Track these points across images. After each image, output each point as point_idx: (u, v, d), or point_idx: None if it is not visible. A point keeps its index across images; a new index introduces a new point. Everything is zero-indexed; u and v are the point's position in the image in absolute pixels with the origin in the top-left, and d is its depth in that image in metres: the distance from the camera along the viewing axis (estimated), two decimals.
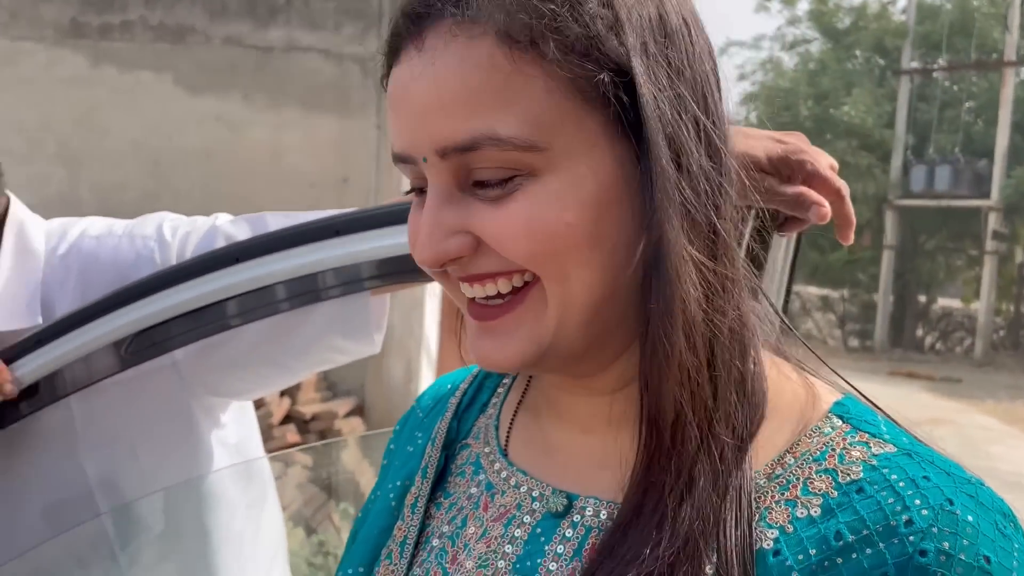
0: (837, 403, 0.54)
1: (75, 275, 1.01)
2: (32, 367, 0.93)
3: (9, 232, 1.00)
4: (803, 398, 0.55)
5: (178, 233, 1.02)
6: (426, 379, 4.60)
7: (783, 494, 0.51)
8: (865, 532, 0.47)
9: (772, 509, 0.50)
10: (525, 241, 0.48)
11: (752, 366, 0.53)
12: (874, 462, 0.50)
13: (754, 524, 0.50)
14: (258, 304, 0.90)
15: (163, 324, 0.90)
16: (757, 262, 0.63)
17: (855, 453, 0.51)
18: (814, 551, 0.48)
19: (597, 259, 0.49)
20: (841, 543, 0.48)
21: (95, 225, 1.05)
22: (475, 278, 0.51)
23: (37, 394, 0.95)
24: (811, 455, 0.52)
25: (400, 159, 0.52)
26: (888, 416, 0.55)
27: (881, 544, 0.47)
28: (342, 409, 4.48)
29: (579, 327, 0.50)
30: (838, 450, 0.51)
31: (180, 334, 0.92)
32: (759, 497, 0.51)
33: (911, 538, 0.46)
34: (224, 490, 1.10)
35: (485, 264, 0.51)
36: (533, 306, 0.51)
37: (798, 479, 0.51)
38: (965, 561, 0.46)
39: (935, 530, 0.46)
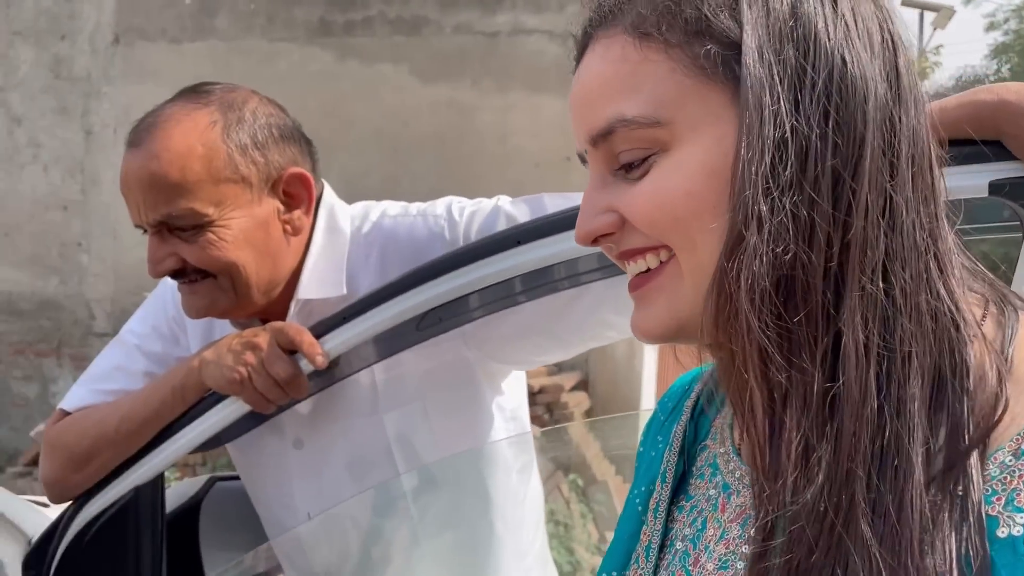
0: None
1: (376, 251, 1.11)
2: (338, 341, 1.03)
3: (322, 214, 1.12)
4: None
5: (464, 213, 1.09)
6: (649, 357, 4.60)
7: None
8: None
9: (1021, 491, 0.46)
10: (651, 213, 0.52)
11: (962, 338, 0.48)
12: None
13: (1000, 508, 0.45)
14: (537, 283, 0.95)
15: (453, 302, 0.98)
16: None
17: None
18: None
19: (721, 227, 0.49)
20: None
21: (392, 207, 1.15)
22: (627, 255, 0.55)
23: (343, 364, 1.07)
24: None
25: (581, 159, 0.58)
26: None
27: None
28: (568, 383, 4.59)
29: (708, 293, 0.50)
30: None
31: (468, 311, 0.99)
32: (1005, 478, 0.46)
33: None
34: (502, 452, 1.18)
35: (632, 240, 0.55)
36: (671, 277, 0.53)
37: None
38: None
39: None
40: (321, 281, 1.10)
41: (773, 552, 0.47)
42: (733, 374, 0.50)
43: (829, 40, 0.49)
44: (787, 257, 0.47)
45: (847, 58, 0.49)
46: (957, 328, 0.49)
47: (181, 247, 1.03)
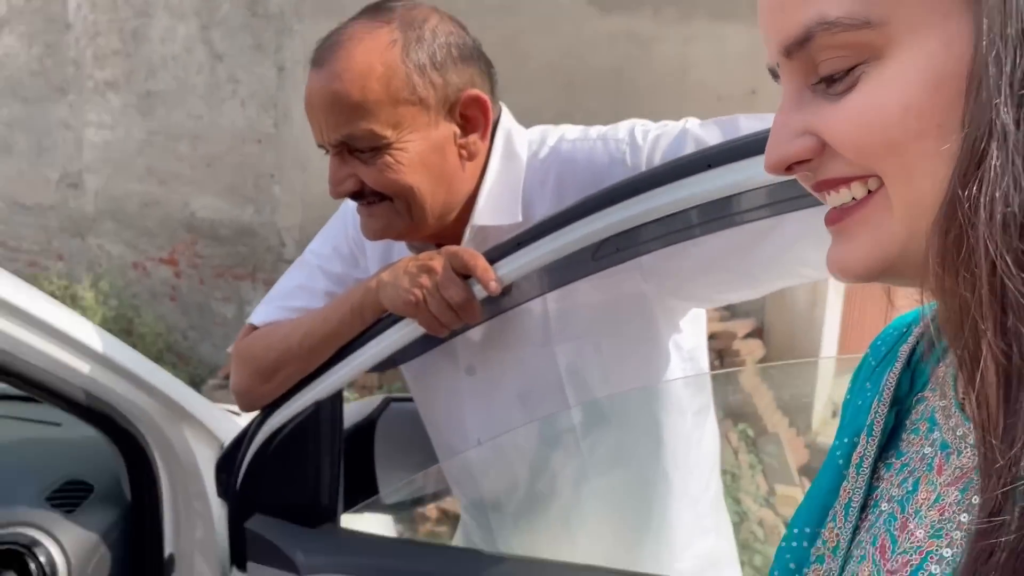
0: None
1: (553, 176, 1.07)
2: (512, 268, 1.01)
3: (499, 138, 1.09)
4: None
5: (648, 136, 1.02)
6: (833, 305, 4.33)
7: None
8: None
9: None
10: (859, 136, 0.44)
11: None
12: None
13: None
14: (728, 212, 0.87)
15: (632, 231, 0.92)
16: None
17: None
18: None
19: (950, 150, 0.40)
20: None
21: (571, 131, 1.10)
22: (826, 184, 0.48)
23: (516, 291, 1.04)
24: None
25: (772, 74, 0.50)
26: None
27: None
28: (741, 330, 4.42)
29: (934, 229, 0.41)
30: None
31: (649, 240, 0.93)
32: None
33: None
34: (677, 393, 1.13)
35: (833, 168, 0.47)
36: (878, 209, 0.45)
37: None
38: None
39: None
40: (496, 207, 1.07)
41: (1001, 528, 0.40)
42: (962, 322, 0.41)
43: None
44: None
45: None
46: None
47: (360, 169, 1.03)
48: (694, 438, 1.18)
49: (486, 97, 1.05)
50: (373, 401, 1.47)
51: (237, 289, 6.36)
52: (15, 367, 1.08)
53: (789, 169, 0.49)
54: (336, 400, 1.20)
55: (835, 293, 4.34)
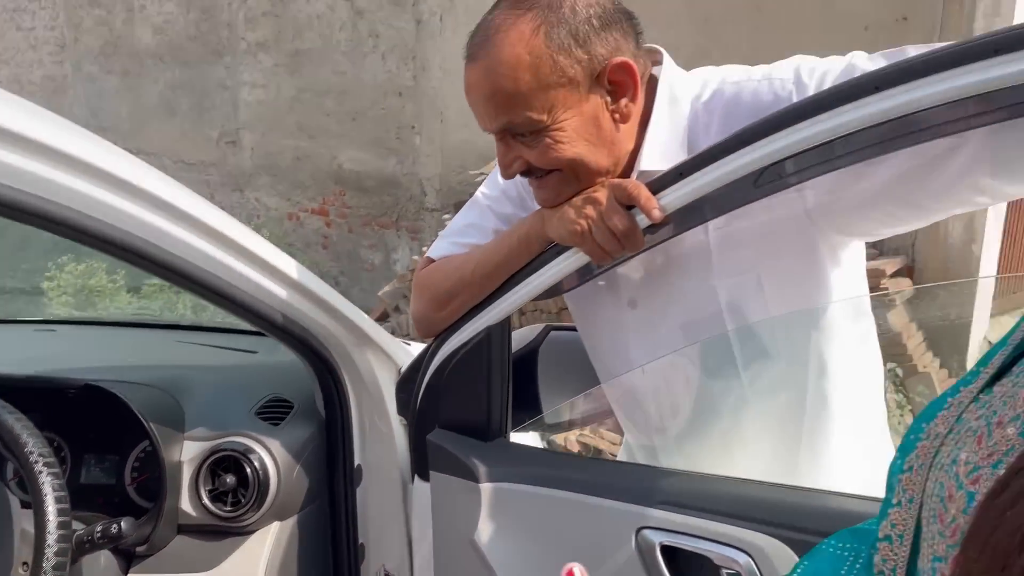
0: None
1: (718, 119, 1.11)
2: (675, 196, 1.06)
3: (663, 85, 1.14)
4: None
5: (815, 74, 1.04)
6: (991, 240, 4.10)
7: None
8: None
9: None
10: None
11: None
12: None
13: None
14: (893, 135, 0.89)
15: (798, 155, 0.95)
16: None
17: None
18: None
19: None
20: None
21: (733, 72, 1.13)
22: None
23: (678, 221, 1.10)
24: None
25: None
26: None
27: None
28: (889, 268, 4.26)
29: None
30: None
31: (811, 167, 0.96)
32: None
33: None
34: (838, 322, 1.15)
35: None
36: None
37: None
38: None
39: None
40: (662, 153, 1.12)
41: None
42: None
43: None
44: None
45: None
46: None
47: (524, 151, 1.11)
48: (857, 364, 1.21)
49: (630, 61, 1.09)
50: (535, 328, 1.57)
51: (383, 237, 6.66)
52: (230, 293, 1.23)
53: None
54: (505, 325, 1.30)
55: (994, 226, 4.10)
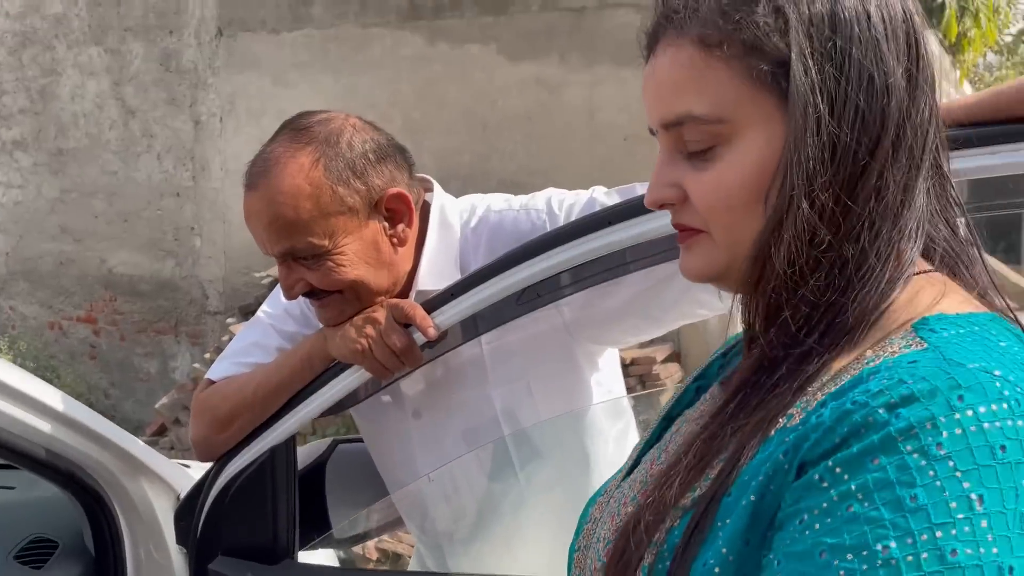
0: (926, 319, 0.57)
1: (484, 242, 1.22)
2: (448, 315, 1.14)
3: (434, 212, 1.24)
4: (907, 309, 0.59)
5: (564, 205, 1.19)
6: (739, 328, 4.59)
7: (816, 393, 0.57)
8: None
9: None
10: (712, 201, 0.62)
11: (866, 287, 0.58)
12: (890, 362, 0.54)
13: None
14: (627, 261, 1.04)
15: (548, 279, 1.07)
16: None
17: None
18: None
19: (763, 213, 0.60)
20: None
21: (496, 202, 1.26)
22: (679, 227, 0.66)
23: (452, 336, 1.18)
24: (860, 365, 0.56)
25: (651, 132, 0.67)
26: None
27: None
28: (660, 355, 4.64)
29: (747, 260, 0.61)
30: (878, 363, 0.55)
31: (563, 287, 1.09)
32: (820, 390, 0.56)
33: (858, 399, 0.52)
34: (599, 422, 1.28)
35: (687, 217, 0.65)
36: (708, 241, 0.64)
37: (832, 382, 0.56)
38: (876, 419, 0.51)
39: (881, 393, 0.51)
40: (438, 273, 1.22)
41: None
42: (756, 305, 0.62)
43: (864, 56, 0.58)
44: (816, 239, 0.58)
45: (875, 72, 0.58)
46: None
47: (307, 273, 1.17)
48: (617, 460, 1.33)
49: (404, 191, 1.19)
50: (323, 443, 1.57)
51: (159, 344, 6.29)
52: None
53: (661, 207, 0.67)
54: (290, 444, 1.30)
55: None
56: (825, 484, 0.51)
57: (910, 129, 0.59)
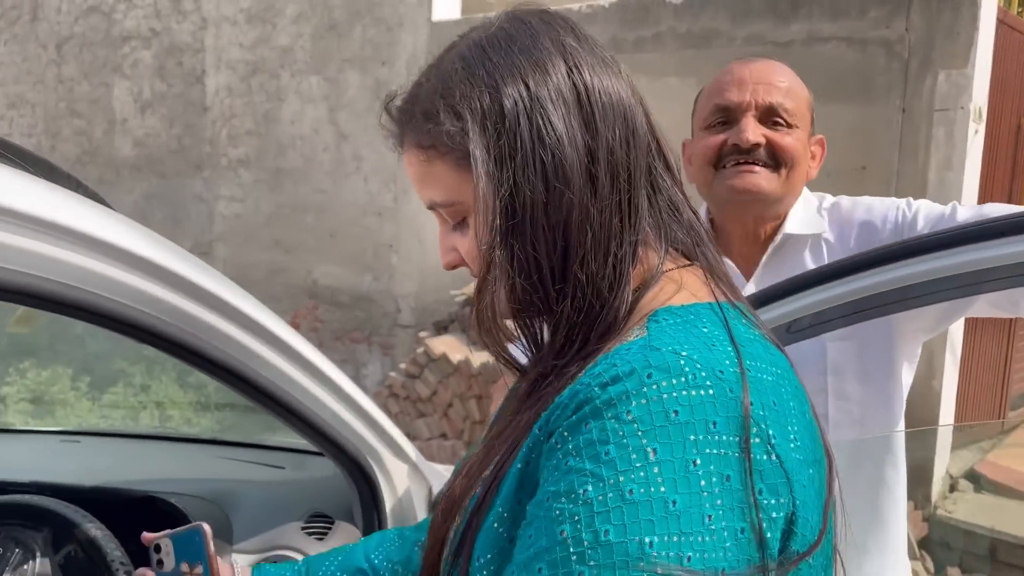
0: (656, 312, 0.71)
1: (837, 223, 1.42)
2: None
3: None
4: (652, 304, 0.73)
5: (922, 208, 1.33)
6: (949, 375, 4.34)
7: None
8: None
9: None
10: (472, 255, 0.78)
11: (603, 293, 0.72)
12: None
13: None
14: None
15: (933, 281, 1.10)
16: None
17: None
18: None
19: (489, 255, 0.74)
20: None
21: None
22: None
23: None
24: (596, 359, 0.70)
25: (430, 207, 0.81)
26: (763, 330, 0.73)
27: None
28: None
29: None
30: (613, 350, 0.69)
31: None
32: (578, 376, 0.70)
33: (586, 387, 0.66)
34: (899, 451, 1.47)
35: (474, 268, 0.80)
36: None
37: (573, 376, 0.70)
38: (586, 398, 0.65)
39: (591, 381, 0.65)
40: (806, 222, 1.44)
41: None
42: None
43: (530, 125, 0.71)
44: (516, 282, 0.72)
45: (545, 132, 0.71)
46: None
47: (773, 134, 1.45)
48: (895, 491, 1.37)
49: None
50: None
51: (354, 352, 6.70)
52: (308, 416, 1.31)
53: (455, 267, 0.82)
54: None
55: (951, 364, 4.34)
56: (558, 446, 0.65)
57: (604, 166, 0.71)
